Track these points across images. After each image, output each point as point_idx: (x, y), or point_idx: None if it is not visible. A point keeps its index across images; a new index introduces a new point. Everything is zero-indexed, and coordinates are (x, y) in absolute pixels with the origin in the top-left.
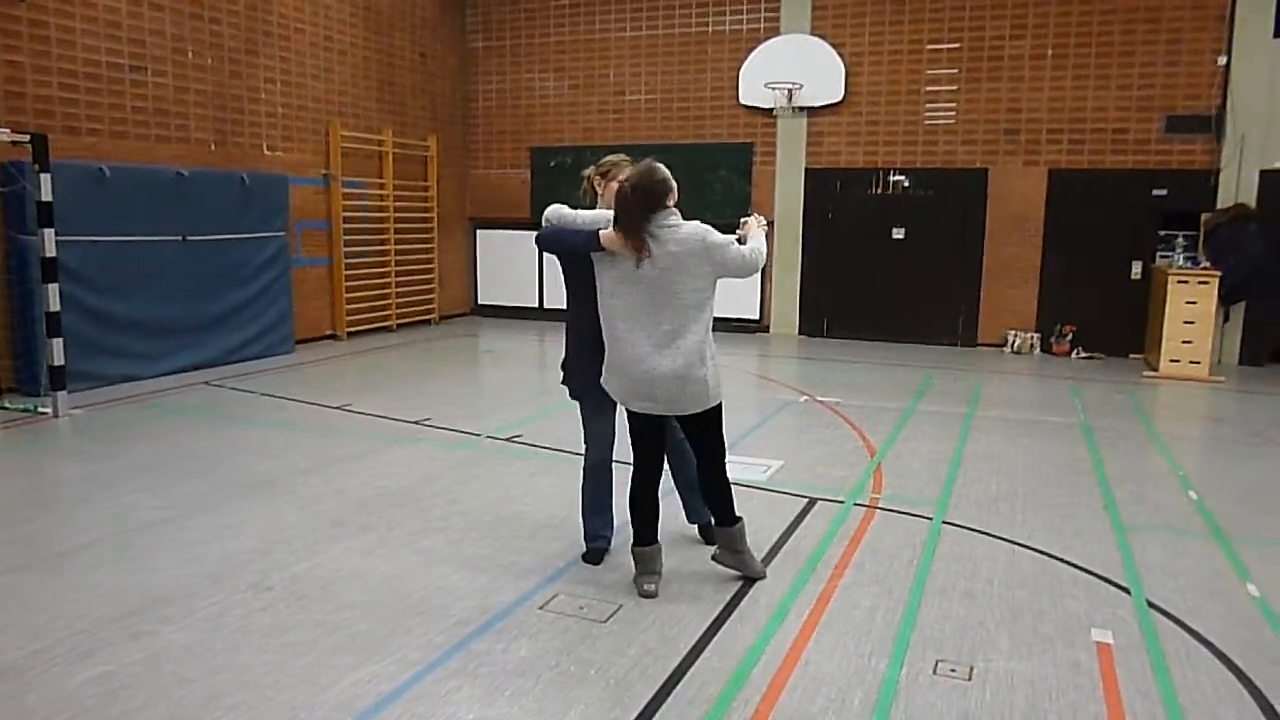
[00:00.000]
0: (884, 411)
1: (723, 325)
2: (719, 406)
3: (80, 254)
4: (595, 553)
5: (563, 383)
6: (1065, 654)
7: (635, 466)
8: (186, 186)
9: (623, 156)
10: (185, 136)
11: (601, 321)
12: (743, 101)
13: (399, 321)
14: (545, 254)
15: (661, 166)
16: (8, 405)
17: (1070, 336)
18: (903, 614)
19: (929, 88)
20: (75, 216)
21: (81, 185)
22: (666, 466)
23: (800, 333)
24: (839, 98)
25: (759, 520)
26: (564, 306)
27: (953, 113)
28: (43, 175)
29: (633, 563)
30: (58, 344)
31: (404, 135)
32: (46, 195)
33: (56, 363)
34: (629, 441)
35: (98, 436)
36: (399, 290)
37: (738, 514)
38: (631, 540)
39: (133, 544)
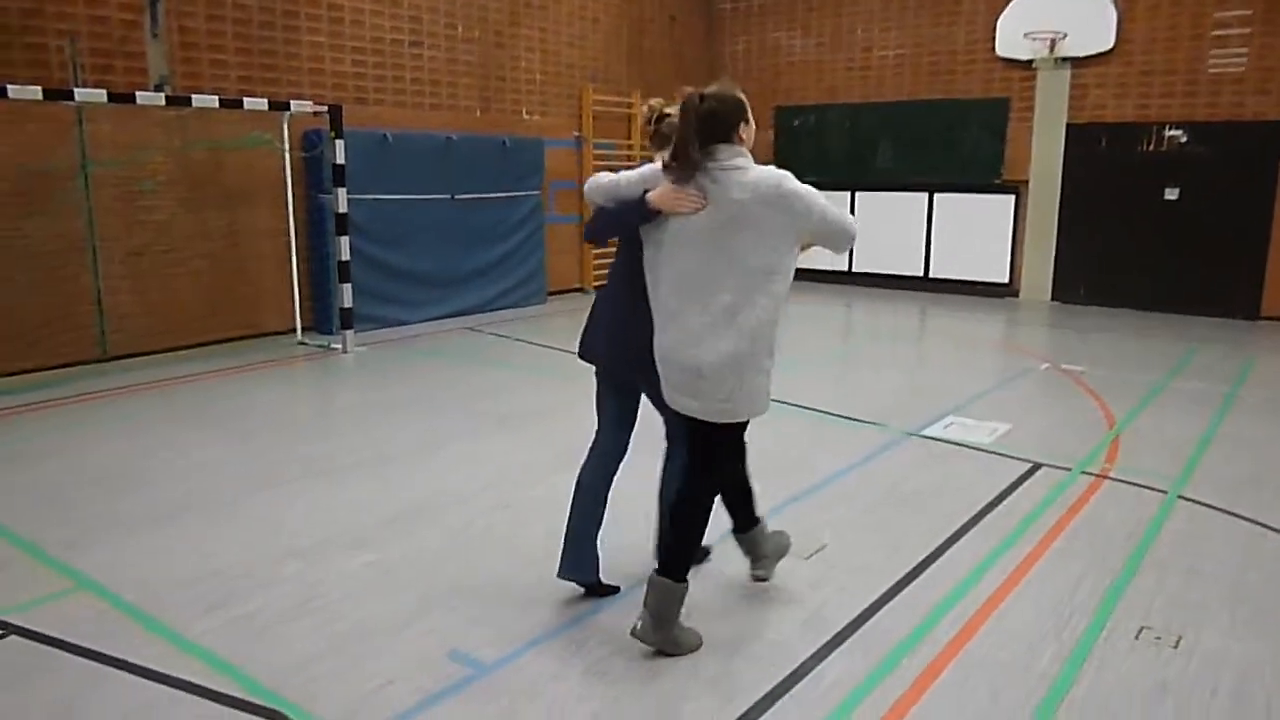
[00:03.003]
0: (1132, 384)
1: (967, 289)
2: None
3: (366, 211)
4: (590, 586)
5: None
6: None
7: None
8: (454, 150)
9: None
10: (454, 104)
11: (650, 300)
12: (999, 54)
13: None
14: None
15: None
16: (307, 341)
17: None
18: (1113, 582)
19: (1216, 32)
20: (362, 177)
21: (368, 149)
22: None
23: (1053, 299)
24: (1109, 46)
25: (975, 481)
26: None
27: (1243, 59)
28: (337, 141)
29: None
30: (347, 289)
31: (652, 97)
32: (340, 159)
33: (345, 305)
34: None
35: (377, 371)
36: None
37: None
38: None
39: (400, 462)
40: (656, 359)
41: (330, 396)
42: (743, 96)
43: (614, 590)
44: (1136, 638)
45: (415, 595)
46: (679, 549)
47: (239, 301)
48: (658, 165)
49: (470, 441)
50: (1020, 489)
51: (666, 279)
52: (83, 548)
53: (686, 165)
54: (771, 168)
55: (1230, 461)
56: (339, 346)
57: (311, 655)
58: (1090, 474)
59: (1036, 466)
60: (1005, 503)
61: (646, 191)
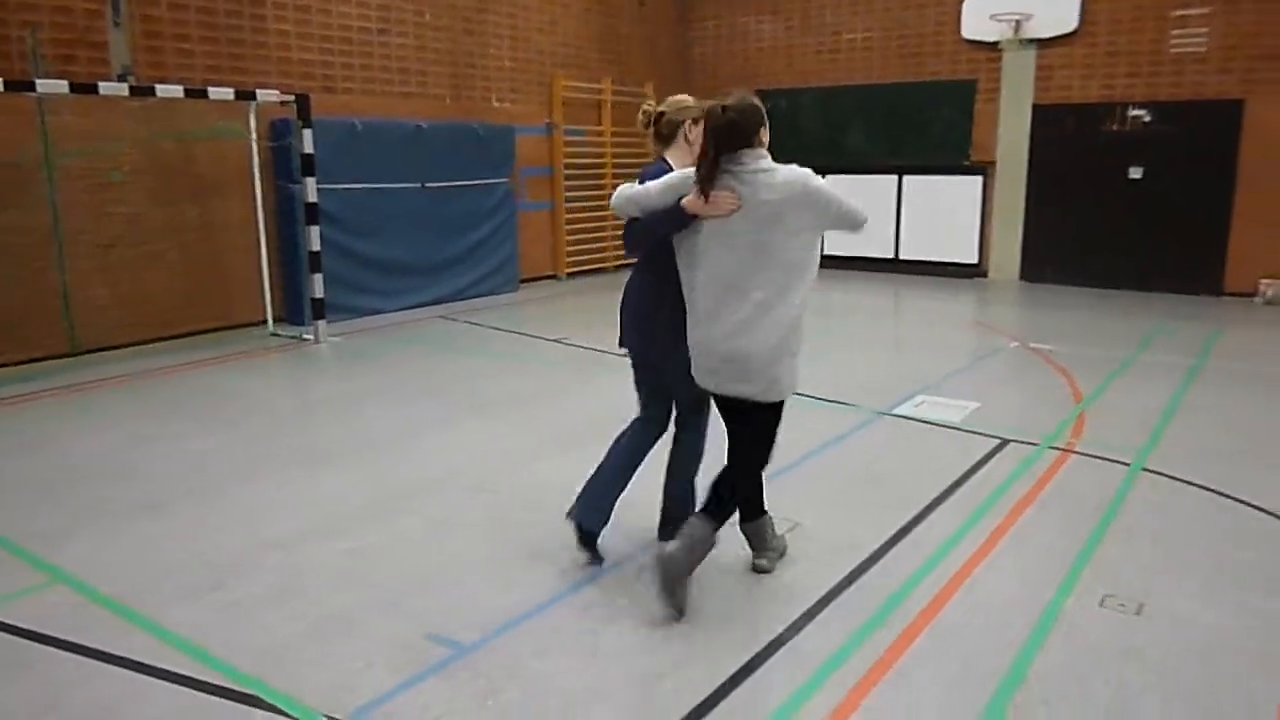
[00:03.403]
0: (1100, 360)
1: (937, 270)
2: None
3: (337, 200)
4: (590, 537)
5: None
6: (1255, 604)
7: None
8: (425, 138)
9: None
10: (424, 92)
11: (687, 298)
12: (965, 36)
13: (616, 264)
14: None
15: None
16: (279, 333)
17: None
18: (1080, 551)
19: (1178, 12)
20: (333, 167)
21: (337, 139)
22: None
23: (1021, 278)
24: (1073, 27)
25: (946, 458)
26: None
27: (1204, 39)
28: (305, 131)
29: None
30: (318, 279)
31: (623, 83)
32: (308, 148)
33: (317, 295)
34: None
35: (351, 361)
36: (615, 233)
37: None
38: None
39: (379, 450)
40: (694, 351)
41: (305, 387)
42: (759, 104)
43: (598, 560)
44: (1101, 605)
45: (395, 581)
46: (734, 504)
47: (210, 293)
48: (687, 172)
49: (447, 429)
50: (989, 464)
51: (702, 279)
52: (60, 541)
53: (711, 172)
54: (794, 167)
55: (1194, 433)
56: (311, 337)
57: (292, 641)
58: (1057, 448)
59: (1005, 442)
60: (975, 478)
61: (681, 199)
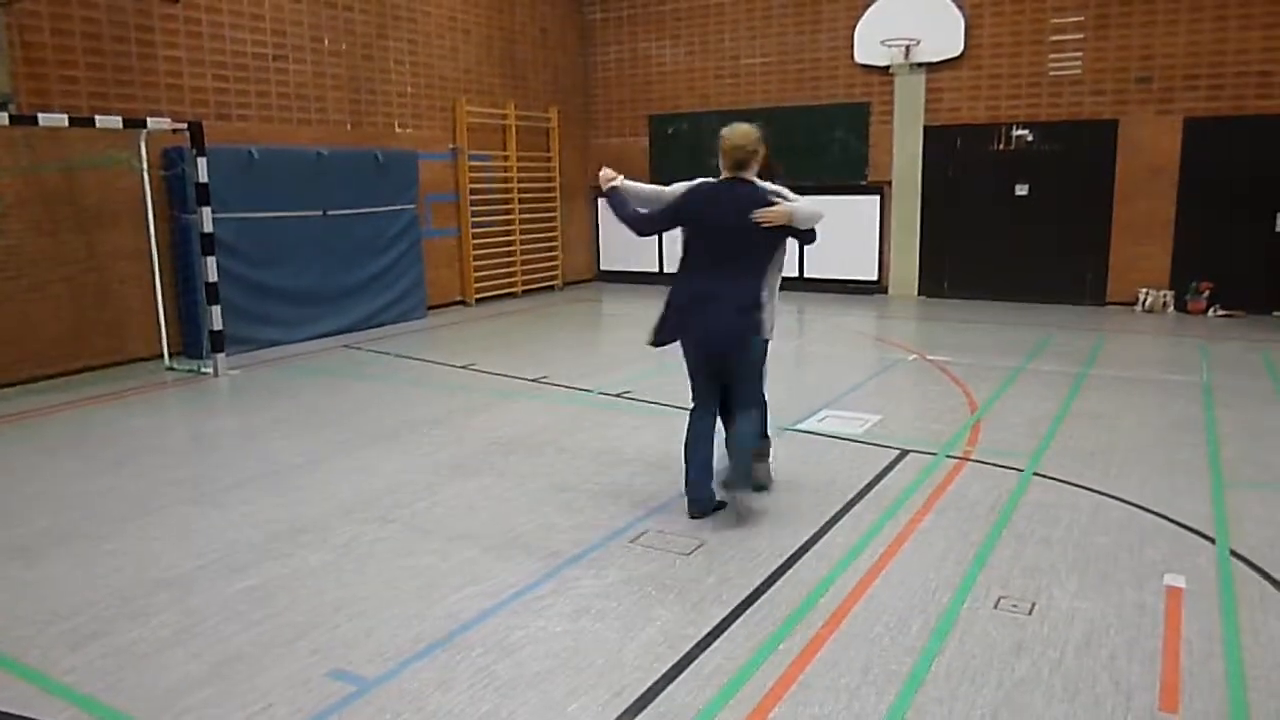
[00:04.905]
0: (994, 370)
1: (840, 288)
2: None
3: (234, 230)
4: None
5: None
6: (1133, 596)
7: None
8: (326, 165)
9: None
10: (324, 118)
11: (773, 284)
12: (858, 60)
13: (524, 288)
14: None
15: None
16: (175, 367)
17: (1207, 294)
18: (975, 555)
19: (1054, 37)
20: (229, 196)
21: (234, 167)
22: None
23: (919, 294)
24: (959, 52)
25: (848, 471)
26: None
27: (1079, 62)
28: (199, 159)
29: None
30: (216, 311)
31: (526, 108)
32: (203, 177)
33: (215, 328)
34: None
35: (251, 393)
36: (524, 258)
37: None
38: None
39: (279, 483)
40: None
41: (202, 421)
42: None
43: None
44: (995, 607)
45: (296, 616)
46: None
47: (102, 328)
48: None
49: (350, 460)
50: (889, 475)
51: (775, 269)
52: None
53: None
54: None
55: (1080, 437)
56: (210, 370)
57: (188, 684)
58: (954, 457)
59: (905, 453)
60: (875, 489)
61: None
